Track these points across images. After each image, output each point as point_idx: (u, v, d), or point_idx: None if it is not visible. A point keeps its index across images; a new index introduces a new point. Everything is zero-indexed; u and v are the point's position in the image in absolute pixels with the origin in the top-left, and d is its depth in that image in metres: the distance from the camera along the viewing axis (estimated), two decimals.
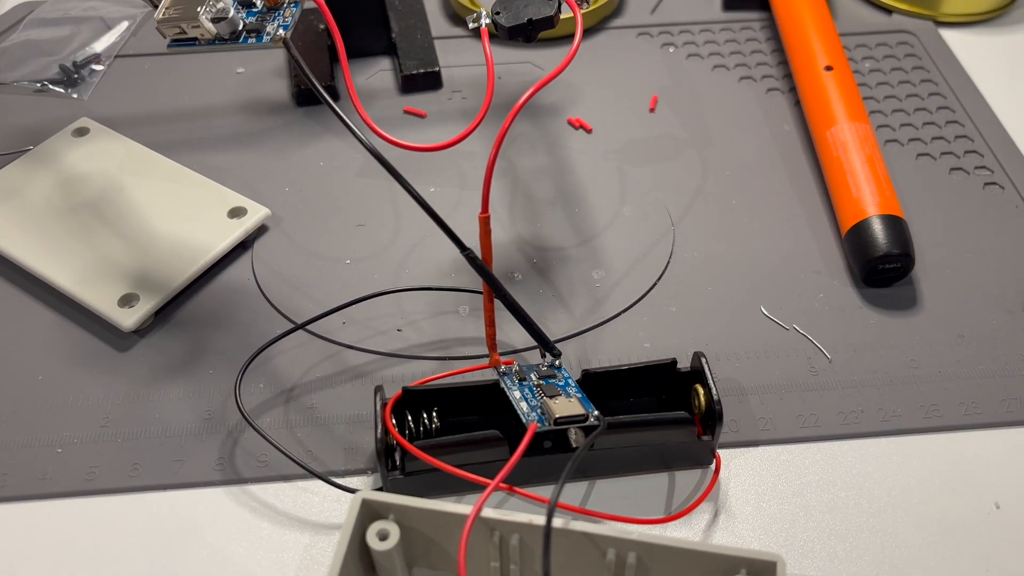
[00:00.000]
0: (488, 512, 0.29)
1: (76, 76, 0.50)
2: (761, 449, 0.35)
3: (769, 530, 0.33)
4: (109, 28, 0.53)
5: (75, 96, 0.50)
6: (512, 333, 0.39)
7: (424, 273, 0.41)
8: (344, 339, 0.39)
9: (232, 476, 0.34)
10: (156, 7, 0.34)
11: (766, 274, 0.41)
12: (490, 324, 0.34)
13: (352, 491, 0.33)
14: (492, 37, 0.35)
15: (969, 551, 0.32)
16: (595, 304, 0.40)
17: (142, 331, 0.39)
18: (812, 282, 0.41)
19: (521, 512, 0.29)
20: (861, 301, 0.40)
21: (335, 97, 0.50)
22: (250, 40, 0.35)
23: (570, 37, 0.54)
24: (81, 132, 0.46)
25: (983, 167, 0.46)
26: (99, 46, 0.52)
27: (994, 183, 0.45)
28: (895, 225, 0.39)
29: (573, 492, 0.34)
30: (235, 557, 0.32)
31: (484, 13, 0.35)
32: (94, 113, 0.48)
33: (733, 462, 0.35)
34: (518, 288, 0.40)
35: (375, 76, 0.52)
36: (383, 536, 0.29)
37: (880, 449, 0.35)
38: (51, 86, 0.50)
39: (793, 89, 0.50)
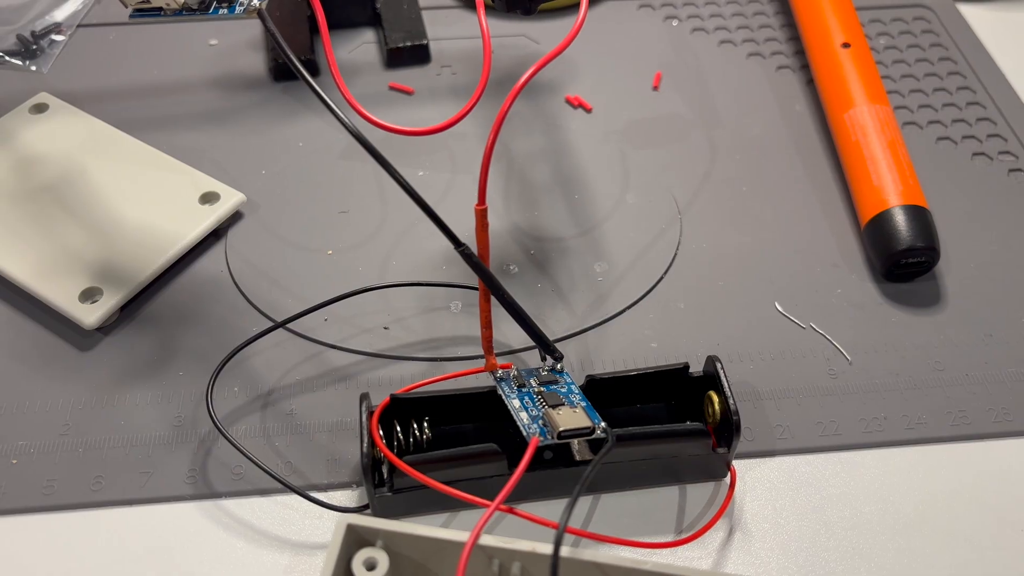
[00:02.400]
0: (486, 539, 0.26)
1: (35, 47, 0.47)
2: (778, 459, 0.33)
3: (788, 549, 0.30)
4: None
5: (33, 69, 0.46)
6: (509, 332, 0.36)
7: (413, 265, 0.38)
8: (326, 338, 0.36)
9: (205, 490, 0.31)
10: None
11: (780, 267, 0.38)
12: (486, 326, 0.31)
13: (335, 508, 0.31)
14: (487, 8, 0.32)
15: (1003, 574, 0.30)
16: (597, 300, 0.37)
17: (106, 329, 0.36)
18: (829, 276, 0.38)
19: (521, 533, 0.26)
20: (882, 297, 0.37)
21: (315, 72, 0.46)
22: (221, 11, 0.31)
23: (568, 8, 0.50)
24: (40, 108, 0.42)
25: (1007, 152, 0.43)
26: (60, 14, 0.48)
27: (1019, 169, 0.43)
28: (919, 216, 0.37)
29: (577, 509, 0.31)
30: None
31: None
32: (54, 87, 0.44)
33: (749, 474, 0.32)
34: (514, 282, 0.38)
35: (358, 49, 0.48)
36: (371, 566, 0.26)
37: (905, 459, 0.33)
38: (7, 58, 0.46)
39: (804, 67, 0.47)
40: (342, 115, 0.28)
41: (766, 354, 0.36)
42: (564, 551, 0.26)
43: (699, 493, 0.32)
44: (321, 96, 0.29)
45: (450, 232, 0.29)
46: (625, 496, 0.32)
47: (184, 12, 0.31)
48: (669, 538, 0.30)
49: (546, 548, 0.26)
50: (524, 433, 0.29)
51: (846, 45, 0.43)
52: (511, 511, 0.28)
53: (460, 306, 0.37)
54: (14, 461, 0.32)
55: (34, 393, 0.34)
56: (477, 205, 0.29)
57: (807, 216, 0.40)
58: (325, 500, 0.30)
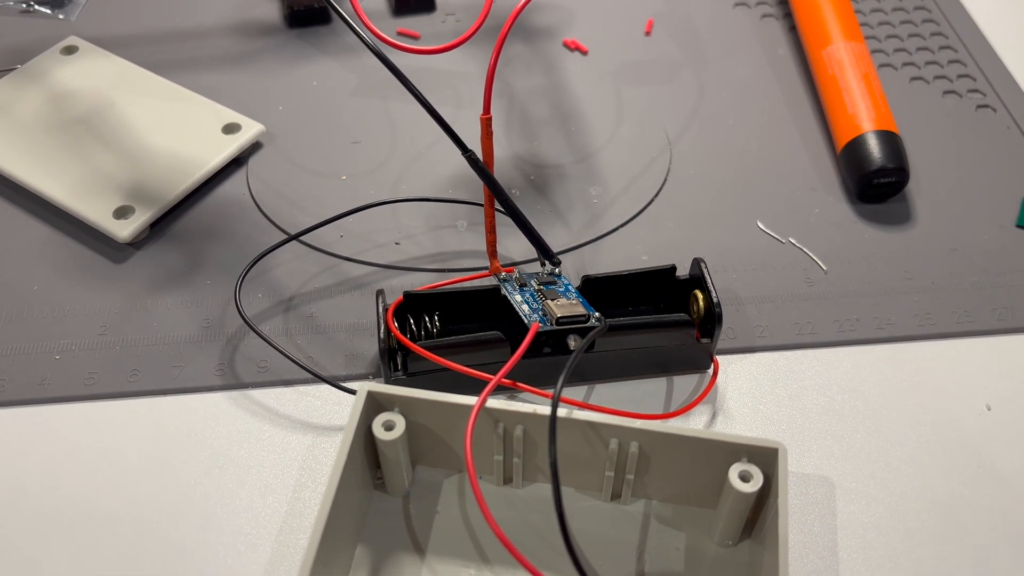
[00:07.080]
0: (492, 403, 0.29)
1: None
2: (758, 355, 0.36)
3: (767, 430, 0.33)
4: None
5: (61, 17, 0.49)
6: (511, 246, 0.39)
7: (421, 189, 0.41)
8: (342, 252, 0.38)
9: (232, 381, 0.34)
10: None
11: (762, 191, 0.41)
12: (491, 231, 0.34)
13: (354, 393, 0.33)
14: None
15: (961, 450, 0.33)
16: (593, 219, 0.40)
17: (138, 243, 0.38)
18: (808, 198, 0.41)
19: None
20: (856, 216, 0.40)
21: (327, 18, 0.49)
22: None
23: None
24: (70, 50, 0.45)
25: (976, 90, 0.46)
26: None
27: (987, 105, 0.46)
28: (890, 140, 0.40)
29: (573, 395, 0.34)
30: (237, 458, 0.32)
31: None
32: (81, 34, 0.47)
33: (731, 367, 0.35)
34: (517, 204, 0.40)
35: None
36: (388, 427, 0.29)
37: (875, 355, 0.36)
38: (37, 7, 0.49)
39: (787, 15, 0.50)
40: (363, 33, 0.31)
41: (748, 266, 0.38)
42: (561, 413, 0.28)
43: (685, 383, 0.35)
44: (343, 16, 0.31)
45: (457, 138, 0.32)
46: (617, 385, 0.34)
47: None
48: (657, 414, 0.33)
49: (545, 409, 0.28)
50: (526, 322, 0.32)
51: None
52: (514, 384, 0.31)
53: (466, 225, 0.40)
54: (57, 357, 0.35)
55: (74, 300, 0.37)
56: (483, 115, 0.32)
57: (788, 146, 0.43)
58: (345, 386, 0.33)
